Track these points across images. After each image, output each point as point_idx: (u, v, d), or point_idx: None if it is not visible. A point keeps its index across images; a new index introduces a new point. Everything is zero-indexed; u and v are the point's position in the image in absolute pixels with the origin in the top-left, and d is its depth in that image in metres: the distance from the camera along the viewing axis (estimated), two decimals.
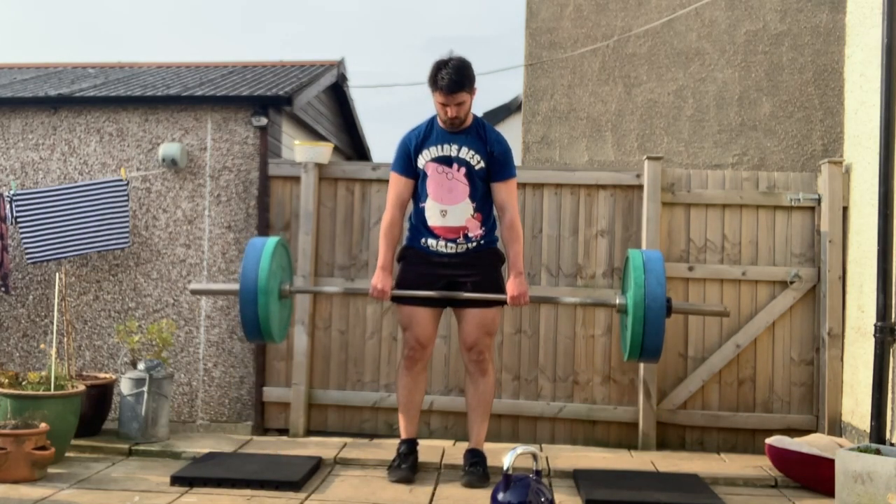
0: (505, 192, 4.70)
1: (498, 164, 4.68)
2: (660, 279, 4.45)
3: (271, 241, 4.82)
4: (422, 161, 4.69)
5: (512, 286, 4.61)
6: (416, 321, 4.75)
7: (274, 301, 4.75)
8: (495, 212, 4.80)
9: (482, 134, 4.71)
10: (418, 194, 4.75)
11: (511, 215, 4.68)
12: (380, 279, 4.67)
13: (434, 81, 4.55)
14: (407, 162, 4.73)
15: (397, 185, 4.76)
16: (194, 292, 5.13)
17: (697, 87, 6.67)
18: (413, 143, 4.71)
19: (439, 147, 4.67)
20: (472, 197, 4.67)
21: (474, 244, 4.71)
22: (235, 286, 4.83)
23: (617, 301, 4.68)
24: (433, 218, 4.69)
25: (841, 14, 6.44)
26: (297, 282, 5.95)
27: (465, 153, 4.66)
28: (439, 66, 4.54)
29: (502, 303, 4.69)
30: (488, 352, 4.77)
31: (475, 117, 4.76)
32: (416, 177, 4.74)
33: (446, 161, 4.66)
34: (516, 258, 4.64)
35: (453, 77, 4.49)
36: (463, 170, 4.65)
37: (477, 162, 4.66)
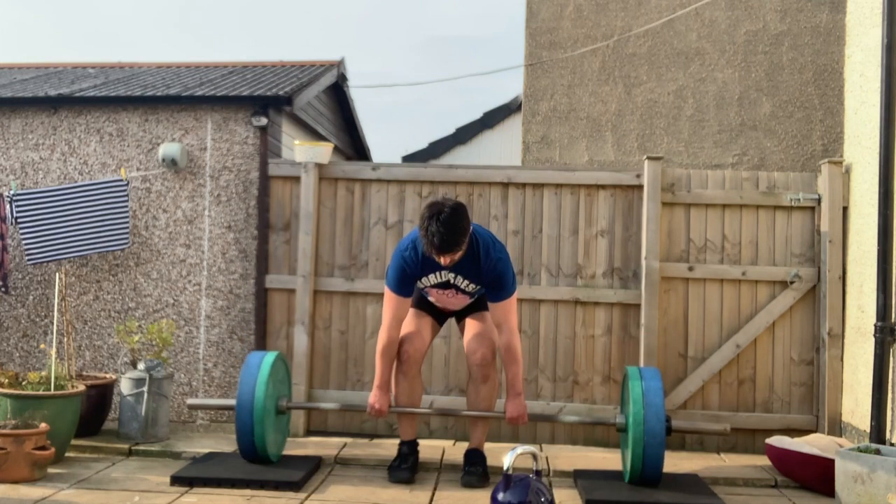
0: (500, 313, 4.59)
1: (492, 288, 4.58)
2: (659, 415, 4.52)
3: (267, 360, 4.90)
4: (421, 285, 4.68)
5: (511, 408, 4.63)
6: (416, 323, 4.78)
7: (270, 423, 4.88)
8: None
9: (477, 258, 4.52)
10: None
11: (507, 337, 4.57)
12: (377, 399, 4.67)
13: (424, 234, 4.33)
14: (405, 285, 4.60)
15: (395, 305, 4.63)
16: (191, 407, 5.22)
17: (697, 87, 6.67)
18: (410, 268, 4.57)
19: (438, 274, 4.60)
20: (472, 297, 4.75)
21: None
22: (233, 402, 4.93)
23: (616, 421, 4.79)
24: (437, 306, 4.85)
25: (841, 14, 6.44)
26: (297, 282, 5.96)
27: (461, 282, 4.60)
28: (431, 217, 4.30)
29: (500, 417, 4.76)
30: (492, 357, 4.77)
31: (471, 238, 4.51)
32: (413, 292, 4.69)
33: (445, 286, 4.65)
34: (514, 379, 4.61)
35: (444, 238, 4.28)
36: (460, 293, 4.67)
37: (473, 289, 4.64)
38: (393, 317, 4.63)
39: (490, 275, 4.53)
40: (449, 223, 4.28)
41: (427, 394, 5.78)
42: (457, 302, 4.75)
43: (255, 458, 4.86)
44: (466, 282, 4.59)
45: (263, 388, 4.78)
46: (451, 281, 4.60)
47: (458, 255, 4.41)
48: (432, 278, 4.61)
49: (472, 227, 4.50)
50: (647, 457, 4.52)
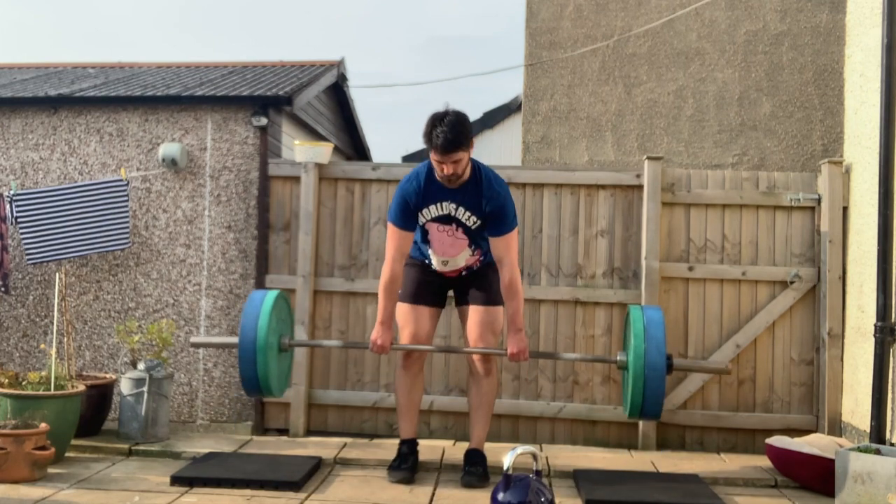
0: (502, 247, 4.60)
1: (493, 221, 4.59)
2: (660, 347, 4.51)
3: (271, 295, 4.86)
4: (422, 219, 4.67)
5: (512, 343, 4.62)
6: (415, 320, 4.77)
7: (273, 357, 4.82)
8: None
9: (479, 189, 4.58)
10: (421, 235, 4.75)
11: (509, 271, 4.57)
12: (379, 334, 4.65)
13: (429, 139, 4.42)
14: (407, 217, 4.62)
15: (398, 238, 4.64)
16: (194, 345, 5.18)
17: (697, 87, 6.67)
18: (413, 199, 4.59)
19: (439, 206, 4.61)
20: (472, 245, 4.71)
21: (474, 269, 4.81)
22: (235, 339, 4.88)
23: (618, 358, 4.76)
24: (436, 263, 4.77)
25: (841, 14, 6.44)
26: (297, 282, 5.96)
27: (462, 214, 4.60)
28: (434, 122, 4.40)
29: (502, 354, 4.73)
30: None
31: (475, 167, 4.62)
32: (416, 227, 4.69)
33: (446, 220, 4.64)
34: (515, 314, 4.61)
35: (448, 136, 4.34)
36: (461, 229, 4.65)
37: (473, 222, 4.63)
38: (396, 250, 4.63)
39: (492, 203, 4.55)
40: (453, 124, 4.38)
41: (427, 393, 5.78)
42: (456, 248, 4.68)
43: (258, 392, 4.79)
44: (468, 213, 4.58)
45: (266, 321, 4.70)
46: (453, 213, 4.60)
47: (461, 163, 4.45)
48: (433, 210, 4.61)
49: (473, 159, 4.58)
50: (648, 389, 4.49)
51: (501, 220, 4.58)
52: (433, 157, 4.47)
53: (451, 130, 4.36)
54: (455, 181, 4.53)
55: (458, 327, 5.63)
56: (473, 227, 4.63)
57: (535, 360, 5.88)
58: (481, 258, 4.78)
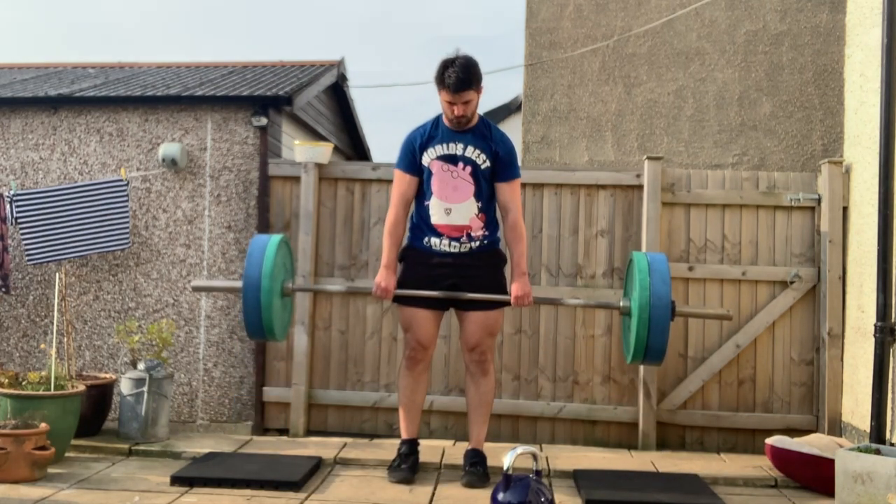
0: (509, 192, 4.69)
1: (503, 164, 4.68)
2: (665, 279, 4.43)
3: (274, 238, 4.80)
4: (426, 159, 4.68)
5: (516, 287, 4.61)
6: (418, 322, 4.75)
7: (276, 298, 4.74)
8: (498, 214, 4.80)
9: (487, 133, 4.70)
10: (422, 192, 4.74)
11: (514, 216, 4.67)
12: (383, 277, 4.66)
13: (441, 80, 4.54)
14: (412, 159, 4.70)
15: (401, 183, 4.74)
16: (196, 289, 5.08)
17: (697, 87, 6.67)
18: (418, 140, 4.70)
19: (445, 145, 4.66)
20: (477, 196, 4.67)
21: (477, 244, 4.70)
22: (238, 283, 4.81)
23: (620, 304, 4.69)
24: (437, 216, 4.68)
25: (841, 14, 6.44)
26: (298, 282, 5.95)
27: (471, 152, 4.65)
28: (446, 65, 4.53)
29: (505, 304, 4.70)
30: (490, 352, 4.77)
31: (481, 117, 4.75)
32: (421, 174, 4.72)
33: (451, 159, 4.65)
34: (520, 258, 4.64)
35: (460, 75, 4.47)
36: (469, 168, 4.65)
37: (483, 161, 4.65)
38: (400, 195, 4.73)
39: (502, 146, 4.69)
40: (463, 65, 4.50)
41: (427, 393, 5.76)
42: (460, 193, 4.64)
43: (261, 334, 4.72)
44: (478, 151, 4.65)
45: (271, 261, 4.64)
46: (461, 153, 4.66)
47: (471, 104, 4.57)
48: (439, 149, 4.67)
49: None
50: (653, 323, 4.35)
51: (510, 164, 4.71)
52: (444, 97, 4.56)
53: (463, 70, 4.48)
54: (464, 123, 4.62)
55: (458, 328, 5.63)
56: (483, 167, 4.65)
57: (534, 360, 5.89)
58: (486, 229, 4.70)
